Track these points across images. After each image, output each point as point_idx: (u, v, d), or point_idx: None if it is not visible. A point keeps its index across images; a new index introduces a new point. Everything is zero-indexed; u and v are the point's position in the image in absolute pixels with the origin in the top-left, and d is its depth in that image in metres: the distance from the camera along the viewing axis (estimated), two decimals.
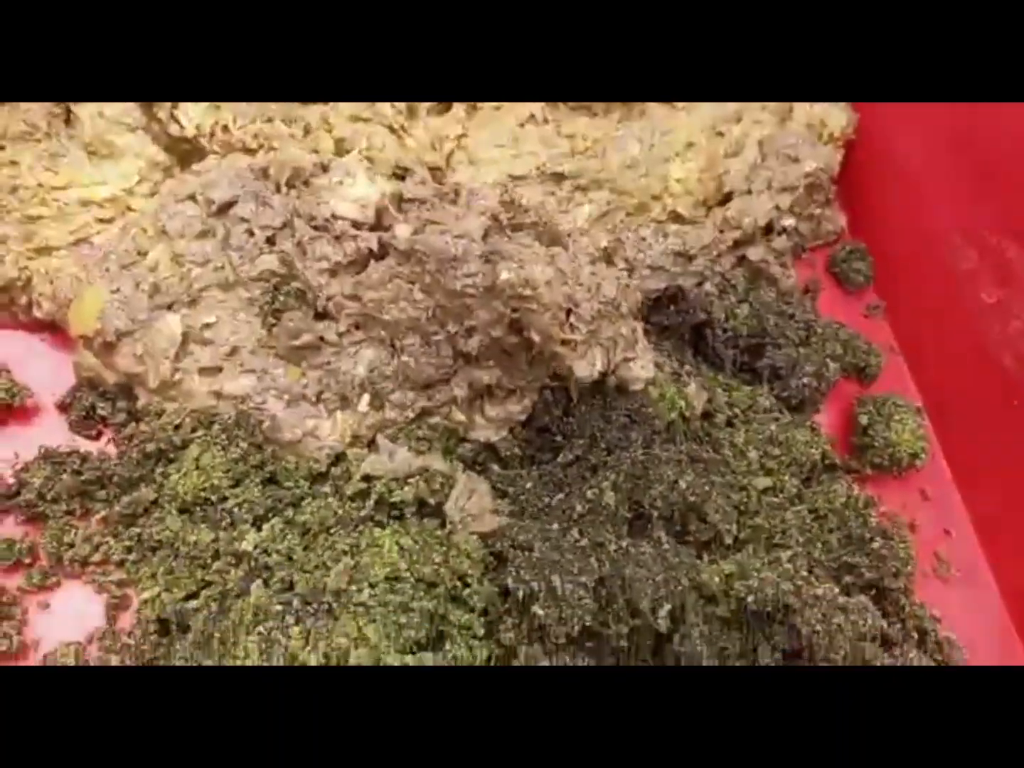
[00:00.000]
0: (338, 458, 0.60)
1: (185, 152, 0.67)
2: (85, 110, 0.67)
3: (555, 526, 0.56)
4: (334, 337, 0.58)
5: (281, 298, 0.58)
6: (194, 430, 0.59)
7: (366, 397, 0.58)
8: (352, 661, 0.48)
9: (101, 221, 0.68)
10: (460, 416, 0.59)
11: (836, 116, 0.79)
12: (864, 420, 0.74)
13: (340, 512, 0.58)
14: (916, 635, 0.59)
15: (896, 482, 0.76)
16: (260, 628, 0.49)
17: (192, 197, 0.63)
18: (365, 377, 0.58)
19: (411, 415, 0.59)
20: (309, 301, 0.58)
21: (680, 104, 0.73)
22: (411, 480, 0.58)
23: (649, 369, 0.57)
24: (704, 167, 0.72)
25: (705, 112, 0.74)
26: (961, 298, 0.76)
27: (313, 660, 0.47)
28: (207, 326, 0.60)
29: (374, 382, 0.58)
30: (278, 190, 0.62)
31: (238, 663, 0.49)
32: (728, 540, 0.61)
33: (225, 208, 0.62)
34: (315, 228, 0.58)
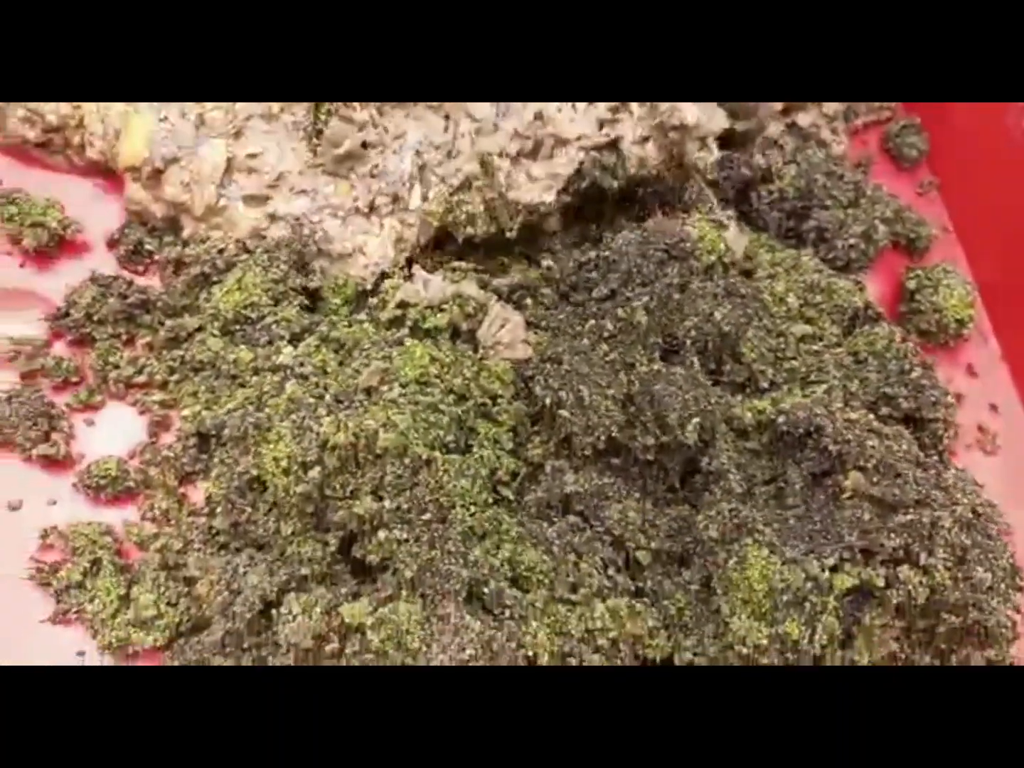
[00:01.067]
0: (381, 279, 0.60)
1: None
2: None
3: (584, 342, 0.56)
4: (376, 138, 0.59)
5: (323, 116, 0.58)
6: (238, 254, 0.60)
7: (417, 189, 0.59)
8: (380, 443, 0.48)
9: None
10: (506, 166, 0.58)
11: None
12: (912, 285, 0.72)
13: (375, 336, 0.58)
14: (952, 475, 0.57)
15: (943, 354, 0.74)
16: (292, 416, 0.50)
17: None
18: (413, 167, 0.58)
19: (456, 183, 0.59)
20: (355, 120, 0.59)
21: None
22: (445, 306, 0.59)
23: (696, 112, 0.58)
24: None
25: None
26: (1017, 174, 0.74)
27: (342, 439, 0.48)
28: (252, 156, 0.61)
29: (422, 163, 0.58)
30: None
31: (270, 449, 0.50)
32: (764, 384, 0.60)
33: None
34: None
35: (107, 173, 0.67)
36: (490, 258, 0.64)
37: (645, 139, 0.60)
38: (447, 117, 0.59)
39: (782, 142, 0.74)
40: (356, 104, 0.60)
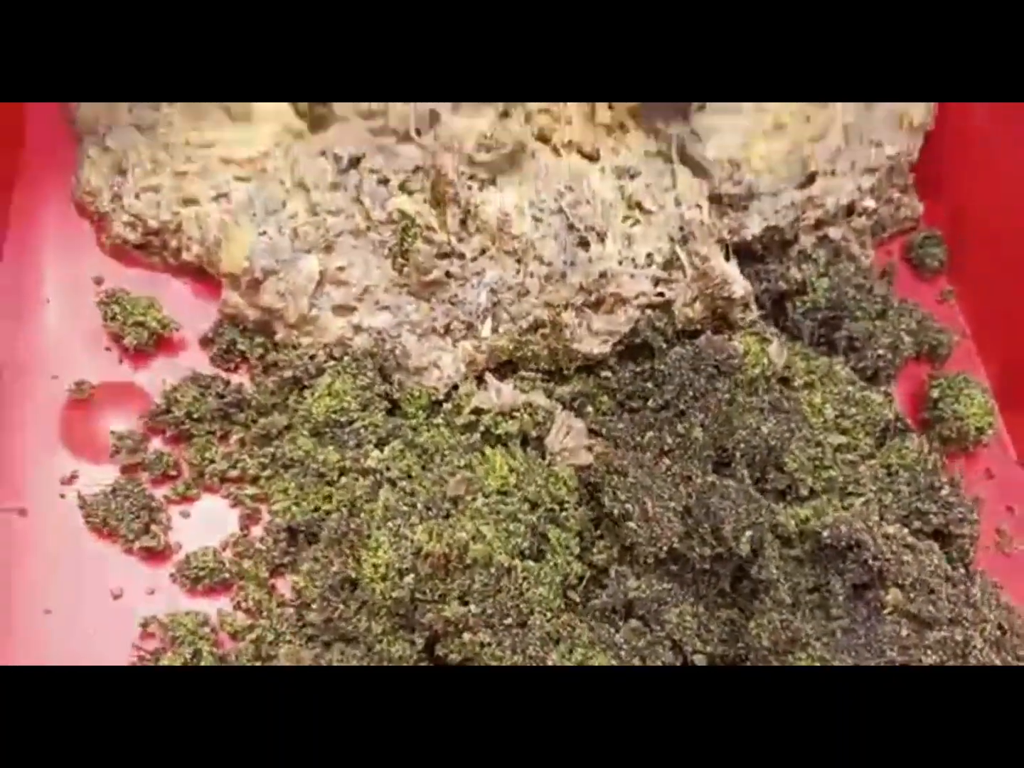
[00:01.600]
0: (453, 389, 0.66)
1: (317, 117, 0.74)
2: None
3: (647, 455, 0.62)
4: (459, 271, 0.65)
5: (409, 239, 0.64)
6: (327, 361, 0.65)
7: (489, 321, 0.65)
8: (471, 555, 0.54)
9: (238, 179, 0.75)
10: (570, 318, 0.64)
11: (918, 105, 0.83)
12: (935, 393, 0.78)
13: (451, 440, 0.64)
14: (979, 591, 0.62)
15: (963, 458, 0.80)
16: (389, 524, 0.56)
17: (323, 154, 0.70)
18: (488, 303, 0.65)
19: (524, 325, 0.65)
20: (435, 241, 0.65)
21: None
22: (516, 414, 0.64)
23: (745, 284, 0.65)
24: (790, 148, 0.77)
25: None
26: None
27: (437, 549, 0.53)
28: (341, 269, 0.67)
29: (496, 300, 0.64)
30: (402, 139, 0.68)
31: (370, 555, 0.55)
32: (804, 491, 0.66)
33: (354, 163, 0.69)
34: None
35: (200, 272, 0.72)
36: (553, 366, 0.70)
37: (694, 299, 0.67)
38: (519, 260, 0.65)
39: (814, 255, 0.80)
40: (436, 225, 0.66)
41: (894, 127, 0.80)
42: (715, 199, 0.72)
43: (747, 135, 0.74)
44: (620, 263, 0.66)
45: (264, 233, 0.67)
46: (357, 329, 0.66)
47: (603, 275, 0.65)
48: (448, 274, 0.65)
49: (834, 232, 0.82)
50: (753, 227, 0.73)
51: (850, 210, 0.80)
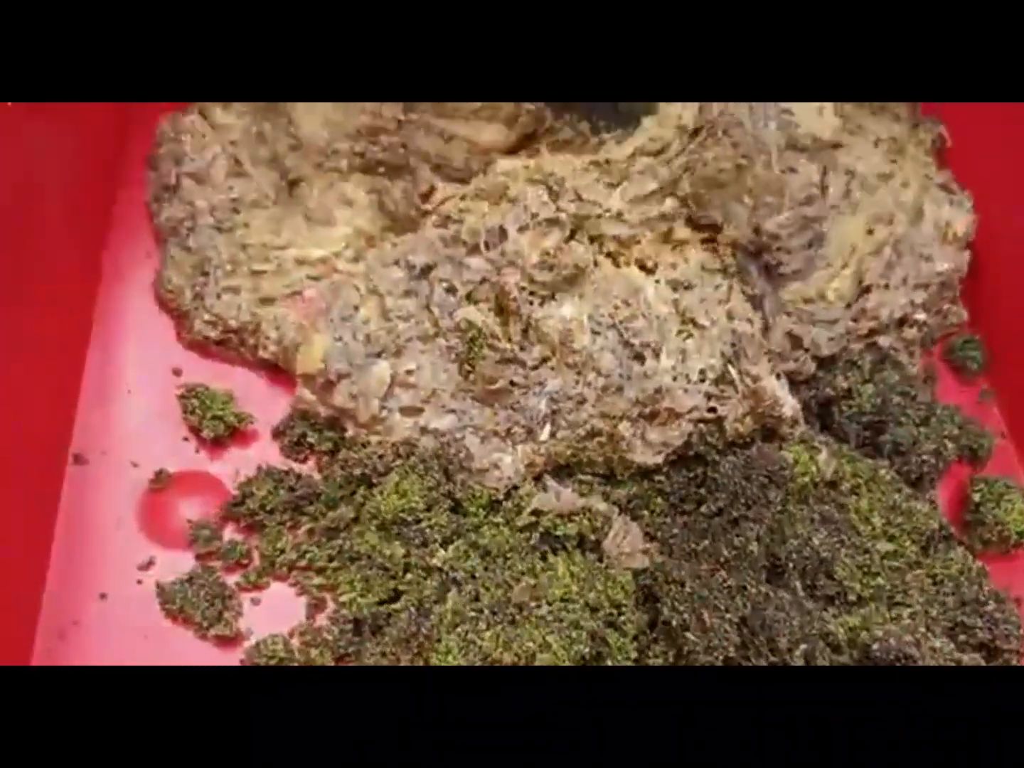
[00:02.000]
0: (513, 490, 0.69)
1: (392, 223, 0.79)
2: (315, 185, 0.79)
3: (704, 567, 0.64)
4: (522, 379, 0.68)
5: (476, 349, 0.68)
6: (394, 460, 0.69)
7: (548, 428, 0.69)
8: (537, 663, 0.56)
9: (311, 278, 0.79)
10: (626, 431, 0.67)
11: (960, 218, 0.87)
12: (976, 498, 0.80)
13: (512, 541, 0.67)
14: None
15: (1004, 560, 0.81)
16: (458, 629, 0.58)
17: (397, 262, 0.74)
18: (547, 410, 0.68)
19: (582, 433, 0.68)
20: (499, 348, 0.68)
21: (844, 207, 0.82)
22: (575, 517, 0.67)
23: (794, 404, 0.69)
24: (854, 269, 0.81)
25: (861, 214, 0.83)
26: None
27: (507, 660, 0.56)
28: (409, 372, 0.70)
29: (556, 407, 0.68)
30: (471, 252, 0.72)
31: (440, 659, 0.58)
32: (852, 597, 0.68)
33: (426, 271, 0.73)
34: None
35: (274, 366, 0.76)
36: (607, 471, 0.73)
37: (745, 415, 0.70)
38: (579, 372, 0.68)
39: (859, 361, 0.83)
40: (500, 334, 0.70)
41: (940, 240, 0.83)
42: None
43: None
44: (674, 379, 0.69)
45: (340, 338, 0.71)
46: (423, 430, 0.69)
47: (658, 390, 0.68)
48: (512, 383, 0.68)
49: (883, 340, 0.84)
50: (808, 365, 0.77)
51: (902, 321, 0.83)
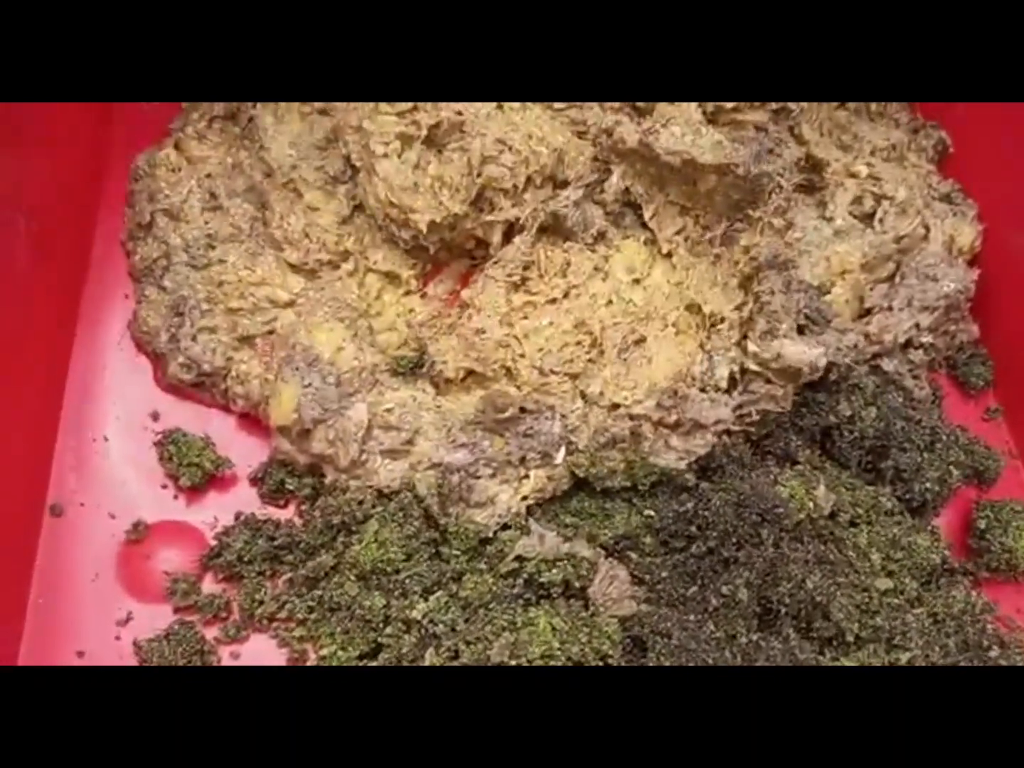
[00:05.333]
0: (501, 529, 0.68)
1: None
2: (279, 205, 0.77)
3: (691, 617, 0.62)
4: (532, 405, 0.68)
5: None
6: (374, 506, 0.67)
7: (563, 449, 0.68)
8: None
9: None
10: (651, 434, 0.68)
11: (965, 232, 0.83)
12: (982, 524, 0.77)
13: (495, 589, 0.65)
14: None
15: (1011, 587, 0.78)
16: None
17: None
18: (562, 431, 0.68)
19: (602, 441, 0.68)
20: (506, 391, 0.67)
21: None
22: (559, 563, 0.65)
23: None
24: (852, 290, 0.78)
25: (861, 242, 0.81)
26: None
27: None
28: (389, 411, 0.68)
29: (571, 426, 0.69)
30: None
31: None
32: (850, 638, 0.66)
33: None
34: None
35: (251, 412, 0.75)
36: (596, 503, 0.71)
37: (783, 389, 0.71)
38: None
39: (862, 384, 0.80)
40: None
41: (949, 260, 0.80)
42: None
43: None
44: (703, 389, 0.71)
45: (308, 384, 0.69)
46: (435, 465, 0.69)
47: (682, 398, 0.69)
48: (523, 409, 0.68)
49: (887, 363, 0.81)
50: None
51: (906, 344, 0.80)
